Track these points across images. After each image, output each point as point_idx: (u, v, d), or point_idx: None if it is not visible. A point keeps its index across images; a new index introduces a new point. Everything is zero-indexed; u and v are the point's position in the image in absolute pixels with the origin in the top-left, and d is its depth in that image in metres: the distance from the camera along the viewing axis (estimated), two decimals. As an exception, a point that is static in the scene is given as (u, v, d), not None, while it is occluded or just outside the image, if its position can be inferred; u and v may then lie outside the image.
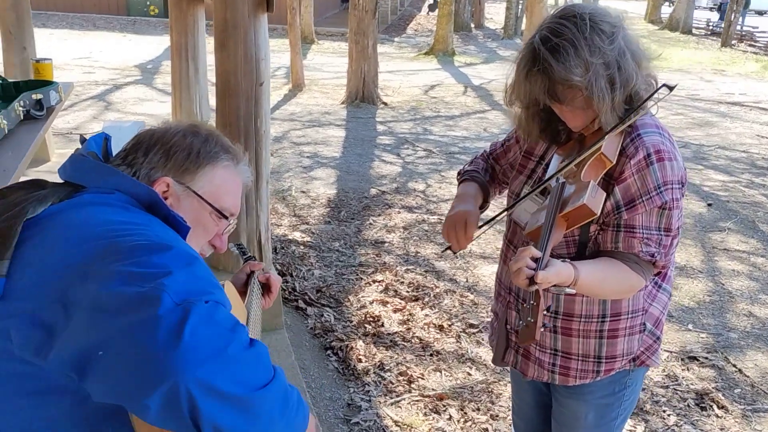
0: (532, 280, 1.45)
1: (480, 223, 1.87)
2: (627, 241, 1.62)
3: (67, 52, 14.15)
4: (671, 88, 1.59)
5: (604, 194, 1.59)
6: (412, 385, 3.36)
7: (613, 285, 1.65)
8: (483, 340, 3.81)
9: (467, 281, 4.56)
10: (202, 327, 0.99)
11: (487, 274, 4.69)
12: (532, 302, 1.47)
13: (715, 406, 3.34)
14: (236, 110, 3.03)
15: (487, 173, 2.05)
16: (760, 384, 3.57)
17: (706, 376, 3.60)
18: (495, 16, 29.43)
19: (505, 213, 1.86)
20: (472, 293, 4.38)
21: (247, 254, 1.88)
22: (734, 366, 3.72)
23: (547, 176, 1.73)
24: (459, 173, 2.08)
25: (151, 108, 9.58)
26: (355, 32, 10.61)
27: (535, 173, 1.84)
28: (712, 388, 3.50)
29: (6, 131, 3.24)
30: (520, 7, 23.47)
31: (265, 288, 1.77)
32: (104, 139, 1.41)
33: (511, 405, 2.27)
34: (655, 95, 1.60)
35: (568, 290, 1.55)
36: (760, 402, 3.41)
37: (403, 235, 5.31)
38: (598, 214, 1.56)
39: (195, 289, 1.04)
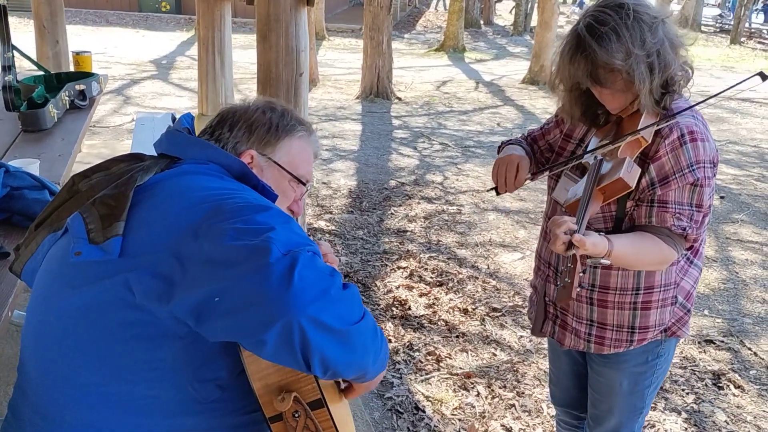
0: (570, 244, 1.58)
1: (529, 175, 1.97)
2: (660, 215, 1.75)
3: (82, 47, 14.30)
4: (765, 78, 1.72)
5: (639, 170, 1.73)
6: (441, 364, 3.51)
7: (647, 257, 1.77)
8: (506, 323, 3.96)
9: (488, 268, 4.71)
10: (308, 272, 1.14)
11: (508, 261, 4.84)
12: (570, 265, 1.60)
13: (731, 386, 3.48)
14: (277, 99, 3.18)
15: (528, 147, 2.17)
16: (775, 366, 3.71)
17: (723, 358, 3.74)
18: (504, 12, 29.51)
19: (564, 165, 1.93)
20: (493, 279, 4.52)
21: None
22: (749, 349, 3.86)
23: (587, 156, 1.87)
24: (500, 145, 2.19)
25: (169, 102, 9.73)
26: (370, 28, 10.75)
27: (574, 155, 1.98)
28: (728, 369, 3.64)
29: (56, 119, 3.40)
30: (529, 4, 23.55)
31: None
32: (192, 118, 1.57)
33: (548, 375, 2.41)
34: (746, 83, 1.73)
35: (603, 261, 1.68)
36: (774, 382, 3.55)
37: (424, 225, 5.45)
38: (633, 187, 1.69)
39: (297, 241, 1.19)
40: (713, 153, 1.76)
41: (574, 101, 1.89)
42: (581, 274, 1.60)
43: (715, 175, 1.78)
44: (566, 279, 1.59)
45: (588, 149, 1.89)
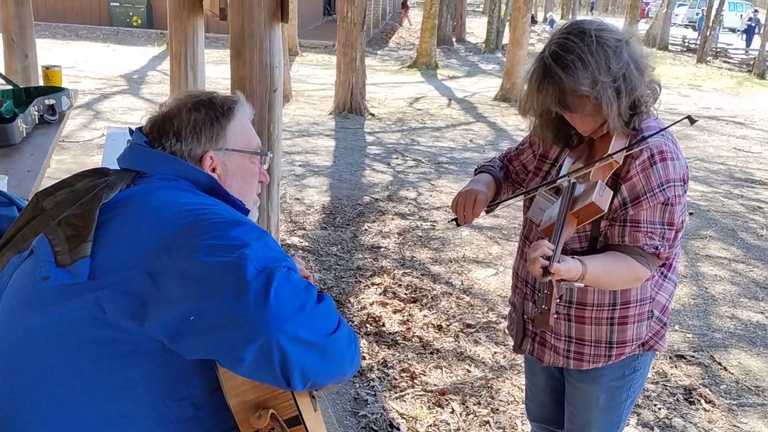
0: (546, 271, 1.60)
1: (488, 207, 2.03)
2: (632, 235, 1.78)
3: (52, 61, 14.13)
4: (693, 122, 1.78)
5: (612, 193, 1.75)
6: (415, 381, 3.49)
7: (620, 277, 1.80)
8: (481, 339, 3.96)
9: (462, 284, 4.71)
10: (284, 288, 1.13)
11: (482, 277, 4.85)
12: (546, 291, 1.62)
13: (702, 401, 3.51)
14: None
15: (502, 171, 2.20)
16: (744, 381, 3.75)
17: (693, 373, 3.78)
18: (476, 30, 29.82)
19: (513, 199, 2.02)
20: (467, 295, 4.53)
21: None
22: (719, 364, 3.90)
23: (559, 177, 1.89)
24: (476, 168, 2.23)
25: (140, 117, 9.64)
26: (344, 44, 10.79)
27: (549, 175, 2.00)
28: (699, 384, 3.67)
29: (24, 134, 3.34)
30: (500, 21, 23.83)
31: None
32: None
33: (524, 391, 2.41)
34: (678, 125, 1.78)
35: (576, 284, 1.70)
36: (744, 397, 3.59)
37: (398, 241, 5.45)
38: (606, 210, 1.72)
39: (272, 256, 1.19)
40: (683, 171, 1.79)
41: (546, 125, 1.91)
42: (557, 300, 1.61)
43: (685, 193, 1.81)
44: (543, 306, 1.60)
45: (561, 170, 1.91)
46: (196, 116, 1.42)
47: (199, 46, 5.92)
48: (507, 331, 2.28)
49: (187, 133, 1.40)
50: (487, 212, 2.05)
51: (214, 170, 1.42)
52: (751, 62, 21.84)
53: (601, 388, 2.04)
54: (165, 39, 18.75)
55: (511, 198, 2.03)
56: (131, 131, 1.47)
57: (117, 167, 1.43)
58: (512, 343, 2.17)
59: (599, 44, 1.70)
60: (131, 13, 21.39)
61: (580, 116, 1.79)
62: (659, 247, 1.77)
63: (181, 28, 5.74)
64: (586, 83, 1.69)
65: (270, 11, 3.11)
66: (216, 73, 12.98)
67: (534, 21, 29.91)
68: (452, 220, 2.06)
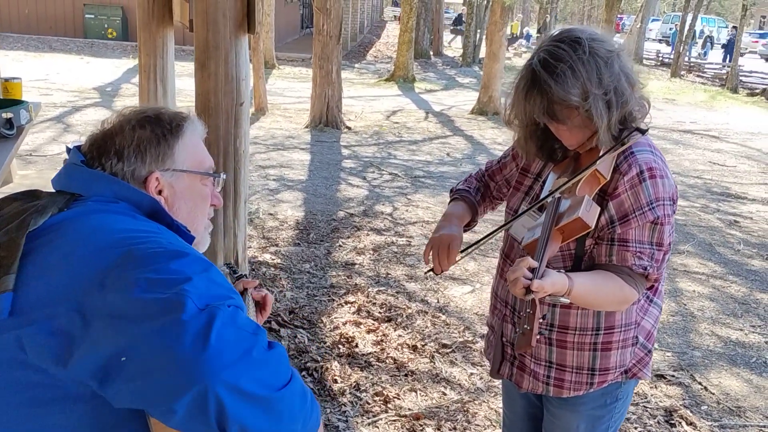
0: (528, 290, 1.50)
1: (463, 247, 1.92)
2: (620, 254, 1.68)
3: (23, 73, 13.87)
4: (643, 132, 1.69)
5: (599, 208, 1.66)
6: (389, 405, 3.37)
7: (607, 296, 1.70)
8: (457, 360, 3.84)
9: (438, 302, 4.60)
10: (227, 331, 1.01)
11: (458, 295, 4.74)
12: (528, 311, 1.52)
13: (683, 423, 3.42)
14: (216, 130, 3.04)
15: (479, 192, 2.10)
16: (725, 401, 3.67)
17: (674, 394, 3.69)
18: (453, 43, 29.92)
19: (489, 237, 1.91)
20: (443, 314, 4.42)
21: (237, 272, 1.89)
22: (700, 384, 3.82)
23: (543, 193, 1.79)
24: (451, 191, 2.13)
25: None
26: (320, 57, 10.69)
27: (532, 190, 1.90)
28: (680, 405, 3.58)
29: (-23, 149, 3.19)
30: (477, 35, 23.92)
31: (258, 306, 1.79)
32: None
33: (501, 418, 2.30)
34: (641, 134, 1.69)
35: (562, 299, 1.61)
36: (726, 418, 3.51)
37: (373, 257, 5.33)
38: (593, 227, 1.62)
39: (216, 294, 1.06)
40: (672, 189, 1.70)
41: (530, 136, 1.82)
42: (541, 320, 1.51)
43: (674, 212, 1.72)
44: (525, 326, 1.50)
45: (545, 185, 1.81)
46: (140, 134, 1.28)
47: (169, 58, 5.78)
48: (484, 355, 2.17)
49: (130, 152, 1.27)
50: (463, 257, 1.94)
51: (160, 192, 1.29)
52: (724, 76, 22.09)
53: (581, 417, 1.93)
54: (139, 51, 18.55)
55: (485, 238, 1.91)
56: (68, 150, 1.34)
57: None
58: (489, 366, 2.06)
59: (591, 54, 1.61)
60: (106, 25, 21.14)
61: (568, 128, 1.70)
62: (648, 267, 1.68)
63: (150, 40, 5.60)
64: (575, 93, 1.60)
65: (236, 22, 3.00)
66: (190, 86, 12.79)
67: (514, 37, 30.25)
68: (428, 270, 1.96)
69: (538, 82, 1.64)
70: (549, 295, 1.58)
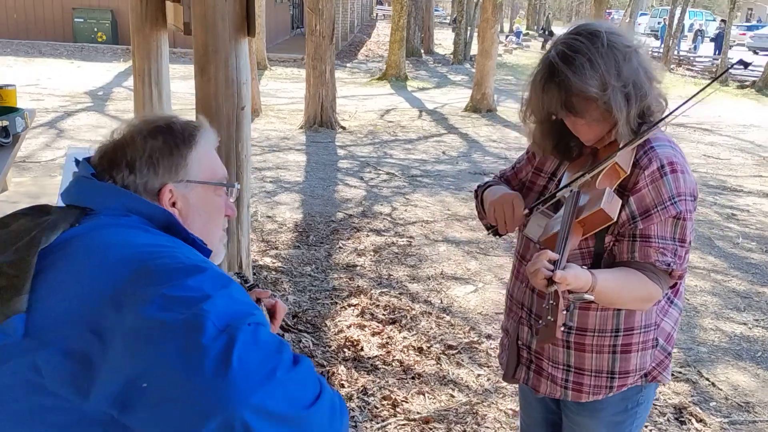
0: (550, 281, 1.47)
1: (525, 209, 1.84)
2: (643, 250, 1.65)
3: (14, 79, 13.79)
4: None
5: (620, 201, 1.63)
6: (397, 409, 3.33)
7: (631, 293, 1.66)
8: (463, 361, 3.81)
9: (442, 302, 4.57)
10: (250, 352, 0.97)
11: (461, 295, 4.71)
12: (551, 302, 1.48)
13: (693, 420, 3.40)
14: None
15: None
16: (734, 396, 3.65)
17: (682, 391, 3.67)
18: (443, 41, 29.89)
19: (558, 192, 1.78)
20: (447, 315, 4.39)
21: (249, 282, 1.85)
22: (707, 380, 3.81)
23: (563, 185, 1.75)
24: (476, 190, 2.07)
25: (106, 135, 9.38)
26: (313, 57, 10.64)
27: (547, 189, 1.87)
28: (689, 401, 3.56)
29: (-25, 159, 3.14)
30: (468, 33, 23.90)
31: (271, 315, 1.75)
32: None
33: (519, 424, 2.26)
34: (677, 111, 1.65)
35: (586, 296, 1.56)
36: (735, 414, 3.49)
37: (374, 258, 5.30)
38: (615, 219, 1.59)
39: (236, 312, 1.02)
40: (693, 185, 1.67)
41: (546, 133, 1.79)
42: (565, 312, 1.47)
43: (695, 209, 1.69)
44: (549, 317, 1.46)
45: (562, 183, 1.77)
46: (152, 144, 1.23)
47: (164, 61, 5.74)
48: (498, 359, 2.13)
49: (142, 164, 1.22)
50: (529, 214, 1.83)
51: (174, 205, 1.25)
52: (714, 69, 22.14)
53: (601, 423, 1.90)
54: (131, 55, 18.45)
55: (550, 196, 1.79)
56: (77, 162, 1.29)
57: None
58: (497, 364, 2.02)
59: (609, 47, 1.60)
60: (96, 29, 21.00)
61: (587, 122, 1.67)
62: (672, 264, 1.65)
63: (144, 43, 5.55)
64: (594, 84, 1.58)
65: (235, 25, 2.96)
66: (184, 88, 12.72)
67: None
68: (491, 229, 1.88)
69: (556, 74, 1.62)
70: (572, 292, 1.54)
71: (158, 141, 1.25)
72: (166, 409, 0.94)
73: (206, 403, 0.92)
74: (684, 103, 1.72)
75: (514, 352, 1.94)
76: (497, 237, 1.91)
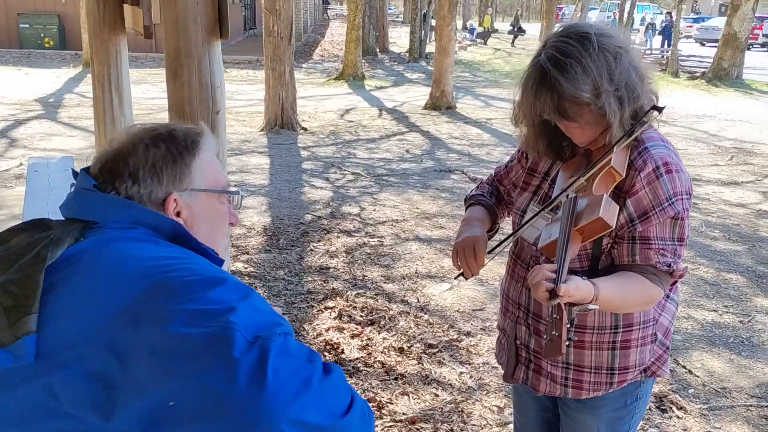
0: (553, 294, 1.46)
1: (489, 249, 1.86)
2: (643, 253, 1.65)
3: (-40, 87, 13.38)
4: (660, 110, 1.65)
5: (618, 207, 1.62)
6: (383, 411, 3.31)
7: (634, 298, 1.67)
8: (444, 359, 3.81)
9: (419, 301, 4.56)
10: (283, 363, 0.95)
11: (437, 293, 4.71)
12: (555, 316, 1.47)
13: (674, 408, 3.45)
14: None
15: (493, 196, 2.05)
16: (711, 383, 3.72)
17: (661, 379, 3.72)
18: (398, 40, 29.94)
19: (515, 235, 1.85)
20: (425, 313, 4.38)
21: None
22: (684, 367, 3.87)
23: (555, 191, 1.74)
24: (465, 199, 2.08)
25: (60, 143, 9.15)
26: (271, 59, 10.53)
27: (540, 189, 1.86)
28: (669, 390, 3.62)
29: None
30: (422, 31, 23.97)
31: None
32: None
33: (513, 424, 2.26)
34: (656, 115, 1.65)
35: (590, 306, 1.56)
36: (713, 400, 3.56)
37: (346, 260, 5.26)
38: (614, 226, 1.59)
39: (263, 323, 0.99)
40: (688, 183, 1.68)
41: (539, 134, 1.77)
42: (568, 326, 1.46)
43: (691, 206, 1.70)
44: (553, 332, 1.45)
45: (557, 184, 1.77)
46: (155, 153, 1.19)
47: (124, 66, 5.60)
48: (496, 359, 2.12)
49: (145, 174, 1.18)
50: (492, 258, 1.86)
51: (178, 214, 1.20)
52: (665, 61, 22.60)
53: (601, 420, 1.90)
54: (81, 60, 18.02)
55: (511, 236, 1.85)
56: (75, 173, 1.24)
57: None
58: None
59: (600, 50, 1.58)
60: (42, 35, 20.48)
61: (580, 126, 1.66)
62: (672, 264, 1.65)
63: (103, 48, 5.42)
64: (586, 90, 1.56)
65: (207, 28, 2.90)
66: (138, 93, 12.50)
67: (487, 31, 30.36)
68: (458, 275, 1.88)
69: (548, 79, 1.59)
70: (576, 304, 1.54)
71: (161, 149, 1.20)
72: (199, 427, 0.91)
73: (243, 418, 0.89)
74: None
75: (513, 352, 1.94)
76: (466, 280, 1.89)
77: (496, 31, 33.05)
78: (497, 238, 1.93)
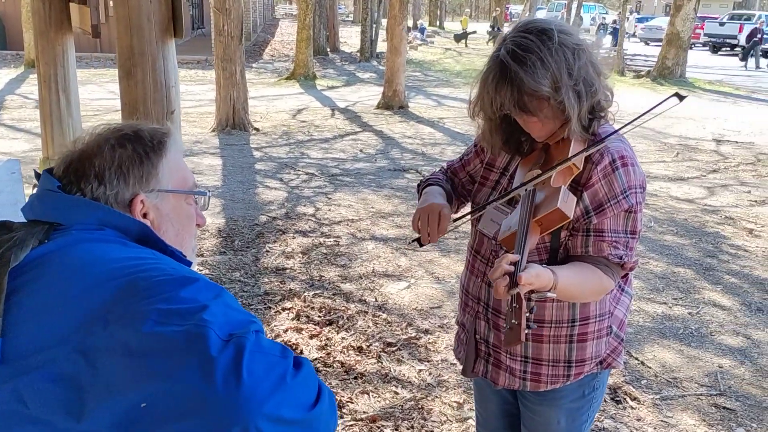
0: (512, 283, 1.48)
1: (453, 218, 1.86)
2: (597, 245, 1.69)
3: None
4: (681, 98, 1.71)
5: (575, 199, 1.66)
6: (343, 410, 3.31)
7: (589, 287, 1.71)
8: (403, 357, 3.82)
9: (376, 301, 4.57)
10: (258, 361, 0.95)
11: (395, 292, 4.73)
12: (514, 305, 1.48)
13: (628, 398, 3.54)
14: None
15: (448, 184, 2.06)
16: (662, 373, 3.82)
17: (615, 371, 3.81)
18: (349, 39, 29.92)
19: (477, 212, 1.85)
20: (383, 312, 4.39)
21: None
22: (637, 359, 3.97)
23: (515, 186, 1.77)
24: (419, 184, 2.08)
25: (3, 146, 8.90)
26: (222, 59, 10.42)
27: (499, 184, 1.88)
28: (622, 381, 3.70)
29: None
30: (373, 30, 24.00)
31: None
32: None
33: (474, 416, 2.28)
34: (665, 104, 1.69)
35: (549, 294, 1.58)
36: (665, 390, 3.65)
37: (303, 260, 5.24)
38: (572, 217, 1.62)
39: (236, 320, 1.00)
40: (642, 177, 1.72)
41: (495, 129, 1.79)
42: (528, 314, 1.48)
43: (644, 200, 1.74)
44: (513, 320, 1.47)
45: (516, 179, 1.79)
46: (121, 153, 1.17)
47: (71, 66, 5.50)
48: (454, 354, 2.14)
49: (111, 175, 1.16)
50: (454, 228, 1.86)
51: (145, 216, 1.19)
52: (610, 61, 23.10)
53: (560, 410, 1.94)
54: (23, 60, 17.53)
55: (479, 209, 1.85)
56: (37, 175, 1.21)
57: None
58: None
59: (560, 45, 1.61)
60: (-20, 34, 19.87)
61: (539, 120, 1.68)
62: (624, 256, 1.70)
63: (49, 48, 5.31)
64: (546, 84, 1.59)
65: (161, 27, 2.86)
66: (84, 94, 12.22)
67: (465, 33, 30.44)
68: (414, 240, 1.87)
69: (508, 73, 1.62)
70: (535, 292, 1.56)
71: (127, 150, 1.18)
72: (174, 428, 0.90)
73: (221, 416, 0.89)
74: (643, 114, 1.74)
75: (473, 347, 1.96)
76: (420, 246, 1.88)
77: (474, 32, 33.07)
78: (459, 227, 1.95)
